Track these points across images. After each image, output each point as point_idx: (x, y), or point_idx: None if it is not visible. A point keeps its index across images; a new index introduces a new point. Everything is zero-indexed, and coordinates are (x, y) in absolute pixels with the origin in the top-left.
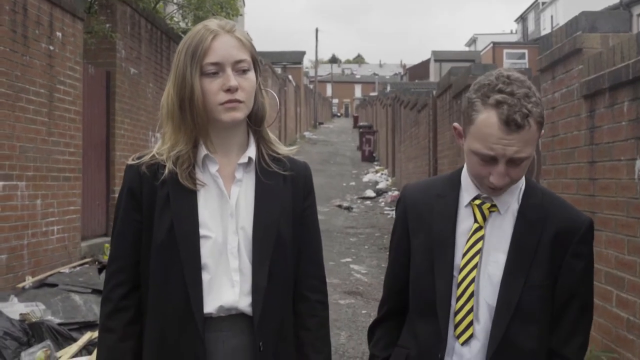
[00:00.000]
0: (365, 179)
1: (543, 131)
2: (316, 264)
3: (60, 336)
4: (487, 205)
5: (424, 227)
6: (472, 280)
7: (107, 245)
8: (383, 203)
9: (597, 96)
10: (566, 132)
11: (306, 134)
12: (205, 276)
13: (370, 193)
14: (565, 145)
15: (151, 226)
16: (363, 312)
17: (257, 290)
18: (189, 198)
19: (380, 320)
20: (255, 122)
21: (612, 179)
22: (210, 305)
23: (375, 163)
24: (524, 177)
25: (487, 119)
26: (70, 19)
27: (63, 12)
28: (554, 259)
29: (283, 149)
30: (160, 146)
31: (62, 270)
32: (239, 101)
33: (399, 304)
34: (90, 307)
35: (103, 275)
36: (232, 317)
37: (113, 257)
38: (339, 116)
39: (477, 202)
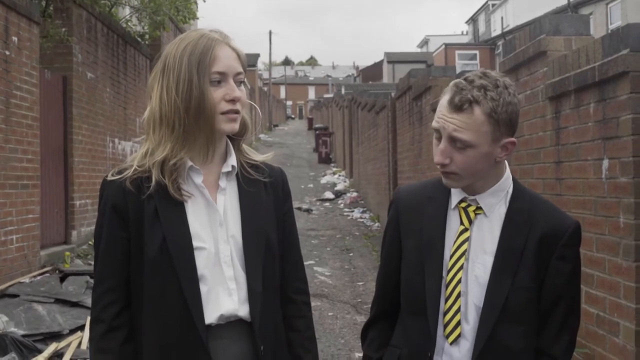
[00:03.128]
0: (323, 180)
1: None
2: (298, 266)
3: (24, 348)
4: (473, 207)
5: (415, 229)
6: (459, 281)
7: (68, 253)
8: (342, 205)
9: (562, 98)
10: (531, 133)
11: (261, 136)
12: (203, 287)
13: (329, 195)
14: (531, 146)
15: (141, 243)
16: (329, 314)
17: (254, 296)
18: (178, 210)
19: (372, 321)
20: (237, 132)
21: (578, 178)
22: (211, 316)
23: (332, 165)
24: (511, 181)
25: (443, 99)
26: (26, 23)
27: (19, 16)
28: (540, 261)
29: (259, 157)
30: (143, 157)
31: (22, 280)
32: (238, 112)
33: (391, 303)
34: (54, 317)
35: (65, 284)
36: (230, 324)
37: (101, 277)
38: (293, 118)
39: (463, 204)
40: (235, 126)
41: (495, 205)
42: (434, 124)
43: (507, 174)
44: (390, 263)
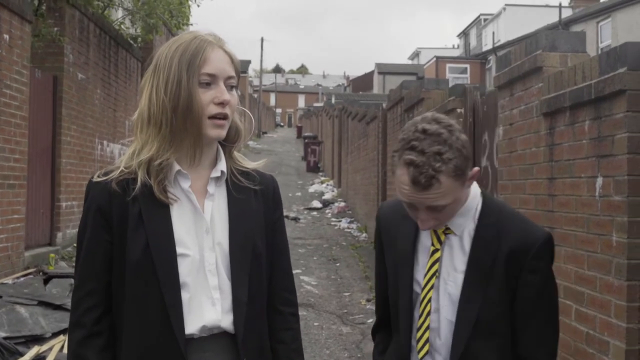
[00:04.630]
0: (311, 189)
1: (476, 169)
2: (288, 276)
3: (6, 350)
4: (442, 228)
5: (392, 247)
6: (430, 300)
7: (53, 255)
8: (330, 214)
9: (557, 114)
10: (524, 148)
11: (250, 143)
12: (184, 295)
13: (316, 204)
14: (524, 161)
15: (124, 245)
16: (315, 324)
17: (239, 306)
18: (163, 214)
19: (377, 325)
20: (227, 139)
21: (572, 195)
22: (192, 326)
23: (321, 174)
24: (480, 196)
25: (401, 175)
26: (18, 21)
27: (11, 13)
28: (509, 275)
29: (250, 164)
30: (130, 158)
31: (5, 281)
32: (227, 117)
33: (386, 314)
34: (36, 320)
35: (49, 286)
36: (214, 336)
37: (82, 280)
38: (282, 126)
39: None
40: (222, 132)
41: (464, 224)
42: (405, 199)
43: (474, 192)
44: (378, 276)
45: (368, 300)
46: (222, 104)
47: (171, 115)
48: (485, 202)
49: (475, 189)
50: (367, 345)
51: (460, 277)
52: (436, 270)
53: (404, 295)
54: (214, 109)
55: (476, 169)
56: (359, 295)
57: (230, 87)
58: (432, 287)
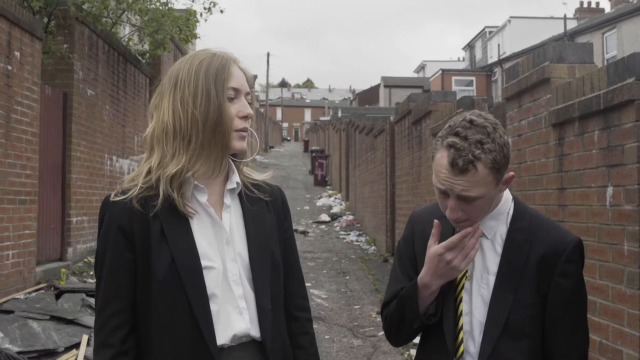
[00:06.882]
0: (319, 203)
1: (512, 173)
2: (300, 282)
3: None
4: None
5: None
6: (460, 301)
7: (64, 270)
8: (338, 227)
9: (566, 125)
10: (534, 159)
11: (257, 157)
12: (213, 307)
13: (325, 217)
14: (533, 172)
15: (148, 263)
16: (326, 337)
17: (264, 314)
18: (185, 229)
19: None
20: (237, 154)
21: (582, 205)
22: (223, 336)
23: (328, 187)
24: (512, 201)
25: (441, 158)
26: (28, 38)
27: (22, 31)
28: (541, 278)
29: (259, 176)
30: (148, 172)
31: (17, 296)
32: (247, 130)
33: None
34: (49, 335)
35: (61, 301)
36: (242, 345)
37: (107, 299)
38: (288, 140)
39: None
40: (245, 145)
41: (495, 227)
42: (439, 185)
43: (507, 196)
44: (398, 278)
45: (378, 313)
46: (245, 117)
47: (202, 127)
48: (517, 207)
49: (507, 194)
50: (379, 358)
51: (492, 279)
52: (465, 272)
53: (448, 298)
54: (239, 123)
55: (511, 173)
56: (369, 308)
57: (247, 104)
58: (462, 289)
